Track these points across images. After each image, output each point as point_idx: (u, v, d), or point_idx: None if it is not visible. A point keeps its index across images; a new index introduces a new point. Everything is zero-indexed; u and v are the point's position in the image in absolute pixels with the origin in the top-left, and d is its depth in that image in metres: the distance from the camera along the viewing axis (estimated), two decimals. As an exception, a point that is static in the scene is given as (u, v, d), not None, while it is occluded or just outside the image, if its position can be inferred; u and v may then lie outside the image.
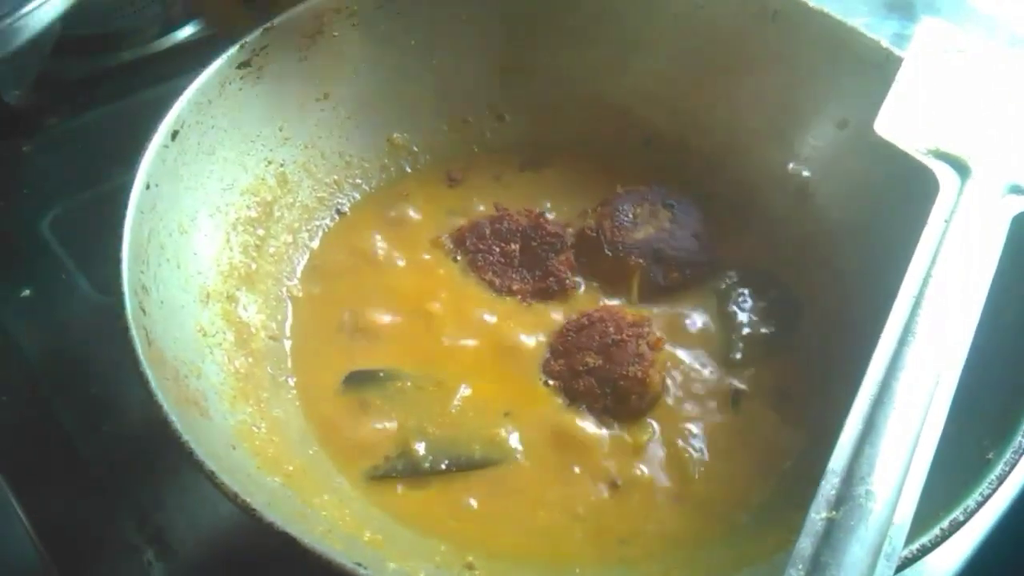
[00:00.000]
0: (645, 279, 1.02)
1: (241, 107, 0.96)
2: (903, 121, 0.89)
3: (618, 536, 0.82)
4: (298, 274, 1.02)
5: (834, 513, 0.60)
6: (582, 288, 1.03)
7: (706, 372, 0.95)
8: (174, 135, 0.87)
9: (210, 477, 0.63)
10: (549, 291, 1.01)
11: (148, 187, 0.82)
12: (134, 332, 0.71)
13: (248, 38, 0.96)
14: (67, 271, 1.09)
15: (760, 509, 0.85)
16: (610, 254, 1.03)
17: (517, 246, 1.04)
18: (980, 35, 1.10)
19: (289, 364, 0.94)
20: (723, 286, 1.03)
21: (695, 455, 0.88)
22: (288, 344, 0.96)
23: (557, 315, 0.99)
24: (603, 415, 0.90)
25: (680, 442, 0.89)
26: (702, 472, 0.87)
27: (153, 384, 0.67)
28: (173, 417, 0.66)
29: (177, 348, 0.78)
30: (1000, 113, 0.91)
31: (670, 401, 0.92)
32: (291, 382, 0.92)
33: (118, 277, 0.74)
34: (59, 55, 1.31)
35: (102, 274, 1.05)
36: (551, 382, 0.93)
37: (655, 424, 0.90)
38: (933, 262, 0.76)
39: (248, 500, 0.62)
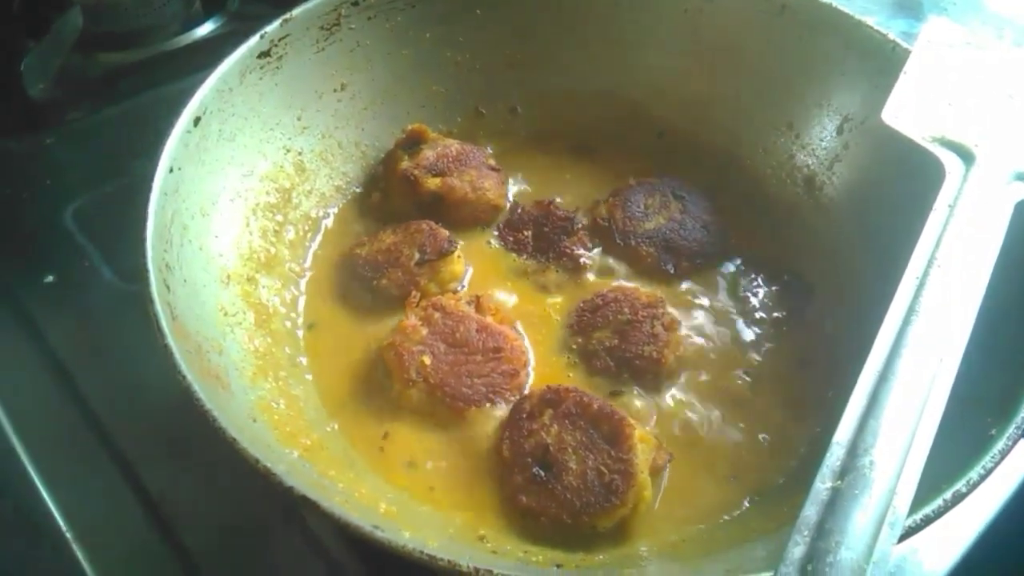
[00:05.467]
0: (656, 268, 1.04)
1: (261, 96, 0.99)
2: (910, 110, 0.91)
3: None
4: (311, 259, 1.04)
5: (839, 483, 0.62)
6: (597, 266, 1.04)
7: (719, 353, 0.96)
8: (196, 121, 0.89)
9: (232, 444, 0.65)
10: (563, 269, 1.04)
11: (172, 170, 0.85)
12: (159, 307, 0.73)
13: (268, 28, 0.99)
14: (90, 259, 1.12)
15: (772, 487, 0.86)
16: (621, 244, 1.05)
17: (529, 233, 1.06)
18: (986, 33, 1.12)
19: (302, 346, 0.96)
20: (734, 272, 1.05)
21: (708, 433, 0.89)
22: (302, 326, 0.98)
23: (571, 295, 1.01)
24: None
25: (694, 420, 0.90)
26: (714, 450, 0.88)
27: (177, 356, 0.69)
28: (196, 387, 0.68)
29: (199, 325, 0.80)
30: (1005, 103, 0.92)
31: (684, 381, 0.94)
32: (304, 362, 0.94)
33: (143, 254, 0.77)
34: (81, 51, 1.34)
35: (124, 262, 1.11)
36: (570, 358, 0.95)
37: (669, 402, 0.92)
38: (937, 245, 0.77)
39: (269, 466, 0.64)
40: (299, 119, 1.05)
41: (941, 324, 0.71)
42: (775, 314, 1.01)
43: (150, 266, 0.75)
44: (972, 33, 1.03)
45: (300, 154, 1.05)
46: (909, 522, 0.63)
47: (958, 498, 0.65)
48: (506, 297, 1.01)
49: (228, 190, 0.95)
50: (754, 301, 1.02)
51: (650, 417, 0.91)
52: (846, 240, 1.03)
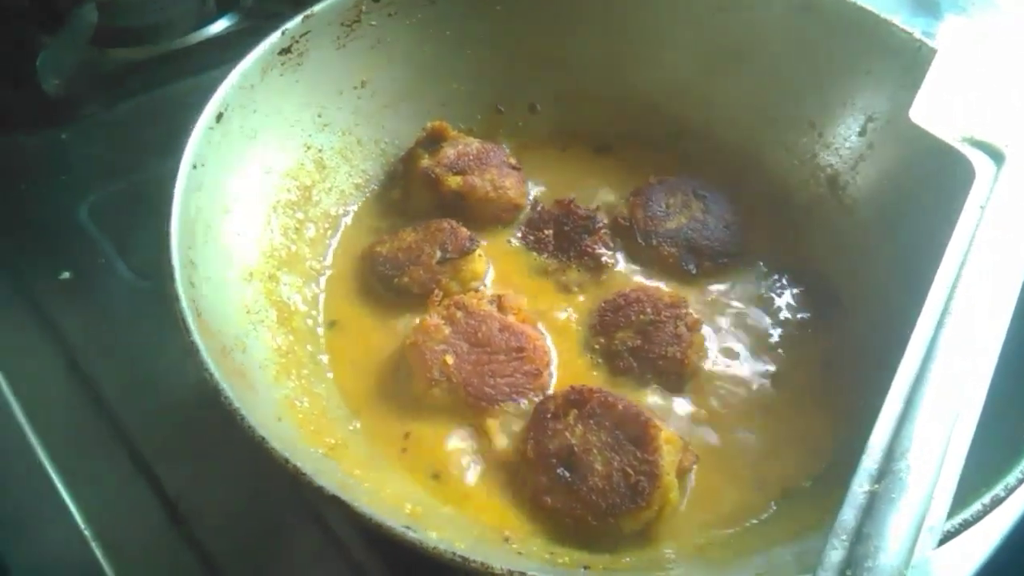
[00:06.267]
0: (678, 268, 1.03)
1: (282, 92, 0.98)
2: (938, 109, 0.90)
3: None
4: (331, 257, 1.03)
5: (876, 487, 0.61)
6: (620, 265, 1.04)
7: (744, 355, 0.96)
8: (219, 117, 0.89)
9: (261, 443, 0.65)
10: (584, 269, 1.03)
11: (195, 166, 0.84)
12: (184, 304, 0.72)
13: (289, 25, 0.98)
14: (105, 255, 1.11)
15: (798, 490, 0.86)
16: (643, 243, 1.05)
17: (550, 232, 1.06)
18: (1006, 32, 1.11)
19: (323, 344, 0.95)
20: (757, 273, 1.04)
21: (733, 435, 0.89)
22: (323, 324, 0.97)
23: (593, 294, 1.01)
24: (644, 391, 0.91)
25: (718, 421, 0.90)
26: (739, 452, 0.88)
27: (204, 353, 0.69)
28: (224, 386, 0.67)
29: (223, 323, 0.79)
30: (1034, 103, 0.91)
31: (708, 381, 0.93)
32: (324, 360, 0.94)
33: (167, 250, 0.76)
34: (96, 47, 1.33)
35: (139, 258, 1.10)
36: (592, 358, 0.94)
37: (693, 403, 0.91)
38: (969, 246, 0.76)
39: (299, 465, 0.63)
40: (319, 116, 1.04)
41: (975, 326, 0.70)
42: (799, 315, 1.00)
43: (175, 263, 0.75)
44: (999, 33, 1.02)
45: (320, 151, 1.04)
46: (947, 527, 0.62)
47: (996, 502, 0.64)
48: (527, 296, 1.00)
49: (250, 187, 0.94)
50: (778, 302, 1.01)
51: (674, 418, 0.90)
52: (870, 240, 1.02)
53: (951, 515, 0.62)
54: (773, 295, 1.02)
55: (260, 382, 0.79)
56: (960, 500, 0.62)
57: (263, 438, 0.64)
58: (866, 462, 0.62)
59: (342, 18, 1.03)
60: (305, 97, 1.02)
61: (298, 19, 0.99)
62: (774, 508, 0.84)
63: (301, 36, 0.99)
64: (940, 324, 0.71)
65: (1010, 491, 0.65)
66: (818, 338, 0.98)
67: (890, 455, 0.63)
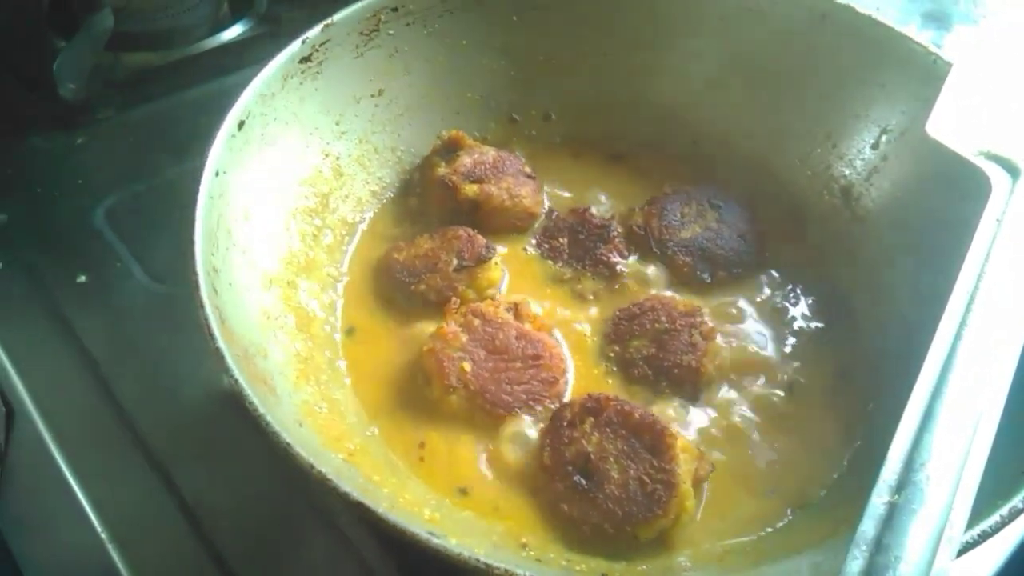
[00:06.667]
0: (692, 277, 1.04)
1: (301, 100, 0.99)
2: (954, 123, 0.91)
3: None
4: (348, 263, 1.04)
5: (895, 497, 0.61)
6: (632, 273, 1.04)
7: (757, 363, 0.96)
8: (240, 125, 0.90)
9: (285, 449, 0.65)
10: (599, 277, 1.04)
11: (217, 174, 0.85)
12: (209, 310, 0.73)
13: (309, 34, 0.99)
14: (121, 259, 1.12)
15: (814, 500, 0.86)
16: (658, 252, 1.05)
17: (565, 240, 1.06)
18: (1017, 45, 1.11)
19: (341, 350, 0.96)
20: (771, 283, 1.05)
21: (748, 444, 0.89)
22: (340, 330, 0.98)
23: (607, 303, 1.01)
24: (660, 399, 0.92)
25: (733, 431, 0.90)
26: (754, 461, 0.88)
27: (229, 360, 0.69)
28: (249, 391, 0.68)
29: (245, 329, 0.80)
30: (1050, 117, 0.92)
31: (722, 391, 0.94)
32: (342, 366, 0.94)
33: (191, 256, 0.76)
34: (112, 51, 1.34)
35: (156, 263, 1.11)
36: (607, 366, 0.95)
37: (708, 412, 0.92)
38: (986, 260, 0.77)
39: (323, 471, 0.64)
40: (337, 124, 1.05)
41: (993, 338, 0.71)
42: (813, 325, 1.01)
43: (200, 269, 0.75)
44: (1001, 43, 1.02)
45: (338, 159, 1.05)
46: (967, 537, 0.63)
47: (1015, 513, 0.65)
48: (543, 304, 1.01)
49: (269, 194, 0.95)
50: (792, 312, 1.02)
51: (689, 427, 0.91)
52: (885, 252, 1.03)
53: (969, 526, 0.62)
54: (787, 305, 1.02)
55: (281, 387, 0.79)
56: (979, 511, 0.63)
57: (288, 444, 0.65)
58: (885, 473, 0.63)
59: (361, 27, 1.04)
60: (324, 105, 1.03)
61: (318, 28, 1.00)
62: (789, 517, 0.85)
63: (321, 45, 1.00)
64: (958, 336, 0.71)
65: (1029, 502, 0.65)
66: (832, 348, 0.98)
67: (909, 466, 0.63)
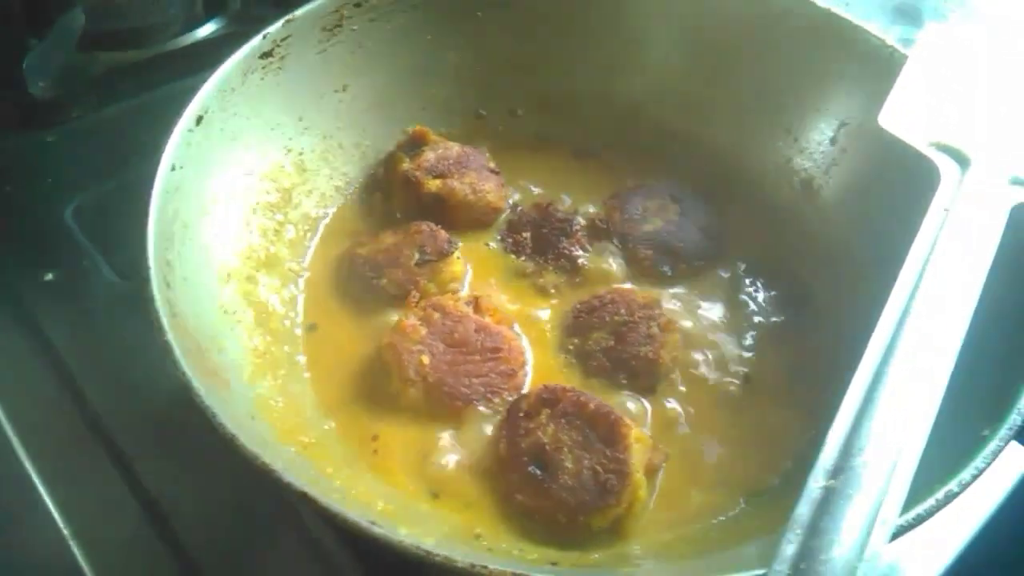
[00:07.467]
0: (653, 270, 1.05)
1: (262, 96, 1.00)
2: (906, 115, 0.92)
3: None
4: (310, 259, 1.04)
5: (832, 482, 0.62)
6: (593, 267, 1.05)
7: (715, 355, 0.97)
8: (199, 120, 0.90)
9: (231, 441, 0.66)
10: (561, 271, 1.04)
11: (173, 168, 0.85)
12: (159, 304, 0.73)
13: (270, 29, 1.00)
14: (89, 257, 1.12)
15: (767, 489, 0.87)
16: (619, 245, 1.06)
17: (528, 235, 1.07)
18: (985, 40, 1.12)
19: (301, 345, 0.96)
20: (732, 276, 1.05)
21: (704, 434, 0.90)
22: (301, 325, 0.98)
23: (568, 296, 1.02)
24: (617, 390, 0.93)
25: (689, 421, 0.91)
26: (709, 451, 0.89)
27: (177, 352, 0.70)
28: (196, 384, 0.68)
29: (199, 323, 0.80)
30: (1001, 108, 0.93)
31: (680, 382, 0.94)
32: (302, 360, 0.95)
33: (144, 251, 0.77)
34: (83, 49, 1.34)
35: (123, 260, 1.11)
36: (566, 358, 0.96)
37: (665, 403, 0.92)
38: (932, 249, 0.78)
39: (267, 462, 0.64)
40: (300, 119, 1.05)
41: (935, 326, 0.72)
42: (773, 318, 1.01)
43: (151, 263, 0.76)
44: (970, 40, 1.03)
45: (301, 154, 1.06)
46: (901, 521, 0.63)
47: (950, 497, 0.66)
48: (505, 298, 1.01)
49: (229, 189, 0.95)
50: (752, 305, 1.02)
51: (646, 418, 0.91)
52: (843, 244, 1.04)
53: (905, 510, 0.63)
54: (747, 298, 1.03)
55: (236, 381, 0.80)
56: (915, 496, 0.63)
57: (233, 435, 0.66)
58: (823, 459, 0.64)
59: (323, 23, 1.04)
60: (286, 101, 1.03)
61: (279, 23, 1.00)
62: (743, 506, 0.85)
63: (282, 40, 1.00)
64: (900, 324, 0.72)
65: (964, 486, 0.66)
66: (791, 340, 0.99)
67: (847, 451, 0.64)
